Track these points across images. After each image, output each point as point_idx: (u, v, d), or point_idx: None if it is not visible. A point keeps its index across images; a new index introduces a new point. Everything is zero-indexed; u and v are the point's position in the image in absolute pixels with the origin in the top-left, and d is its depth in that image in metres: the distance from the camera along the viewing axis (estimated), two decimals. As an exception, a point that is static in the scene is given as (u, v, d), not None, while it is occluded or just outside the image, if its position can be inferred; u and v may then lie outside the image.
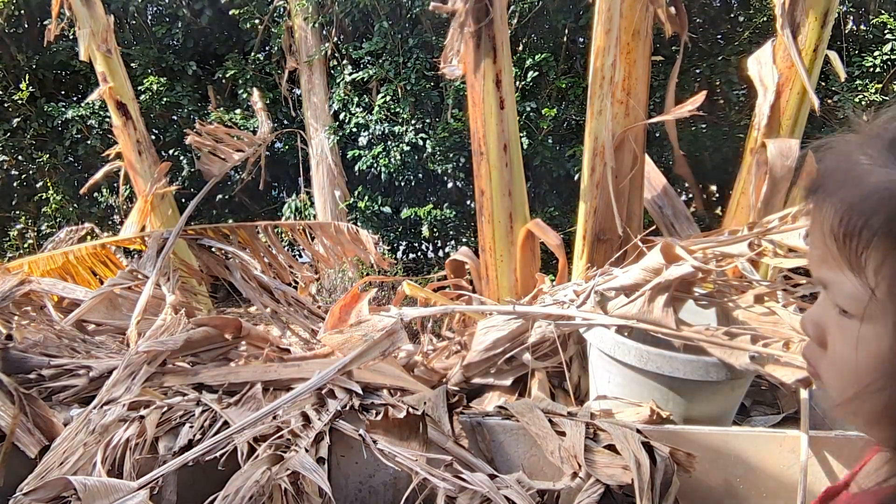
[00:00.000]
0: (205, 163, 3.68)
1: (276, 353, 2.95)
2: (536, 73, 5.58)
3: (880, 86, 5.52)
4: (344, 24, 6.23)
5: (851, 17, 5.99)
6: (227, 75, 6.55)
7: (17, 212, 7.30)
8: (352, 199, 6.26)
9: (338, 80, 6.22)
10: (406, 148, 5.83)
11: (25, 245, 7.16)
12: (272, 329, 3.86)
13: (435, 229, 6.02)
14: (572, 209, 5.07)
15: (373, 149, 5.96)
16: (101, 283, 3.49)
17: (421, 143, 5.83)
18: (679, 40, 3.87)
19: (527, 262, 3.62)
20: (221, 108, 6.56)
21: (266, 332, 3.29)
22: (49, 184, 6.98)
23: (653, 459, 1.90)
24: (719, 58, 6.04)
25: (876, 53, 5.54)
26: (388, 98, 5.95)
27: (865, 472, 0.50)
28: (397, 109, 5.97)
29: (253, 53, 6.64)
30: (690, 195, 6.63)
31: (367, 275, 5.70)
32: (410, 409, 2.08)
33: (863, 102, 5.50)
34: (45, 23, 6.24)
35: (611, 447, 1.95)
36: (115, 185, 6.14)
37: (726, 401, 2.42)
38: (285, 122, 6.77)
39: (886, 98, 5.55)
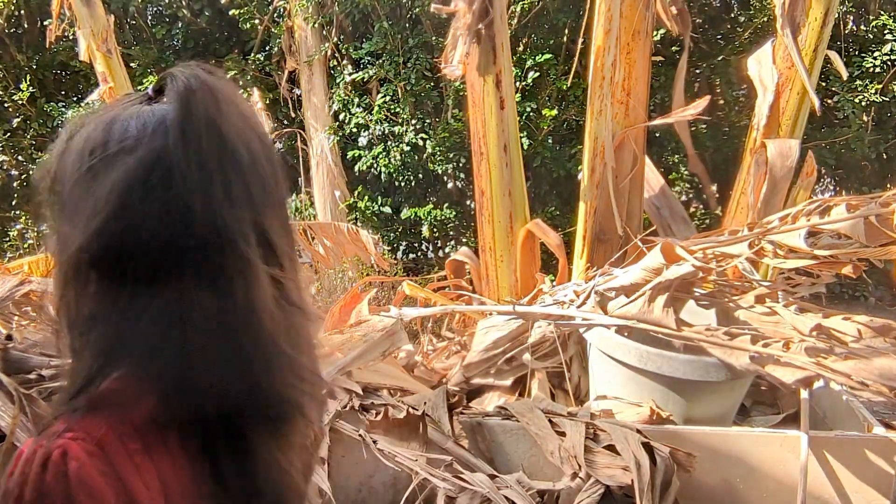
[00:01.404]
0: (205, 163, 3.68)
1: (276, 353, 2.94)
2: (537, 74, 5.58)
3: (880, 86, 5.52)
4: (344, 25, 6.22)
5: (851, 18, 5.98)
6: (227, 75, 6.53)
7: (17, 212, 7.30)
8: (352, 200, 6.26)
9: (338, 81, 6.22)
10: (406, 148, 5.82)
11: (25, 245, 7.16)
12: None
13: (435, 229, 6.02)
14: (572, 209, 5.07)
15: (373, 149, 5.96)
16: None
17: (421, 143, 5.83)
18: (678, 40, 3.87)
19: (527, 262, 3.62)
20: (221, 109, 6.55)
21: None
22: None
23: (653, 459, 1.90)
24: (719, 58, 6.04)
25: (876, 54, 5.54)
26: (388, 98, 5.94)
27: None
28: (397, 110, 5.97)
29: (253, 54, 6.63)
30: (690, 195, 6.63)
31: (367, 275, 5.70)
32: (410, 410, 2.08)
33: (863, 103, 5.50)
34: (46, 23, 6.24)
35: (611, 447, 1.95)
36: (115, 185, 6.12)
37: (726, 401, 2.42)
38: (285, 122, 6.78)
39: (886, 98, 5.54)
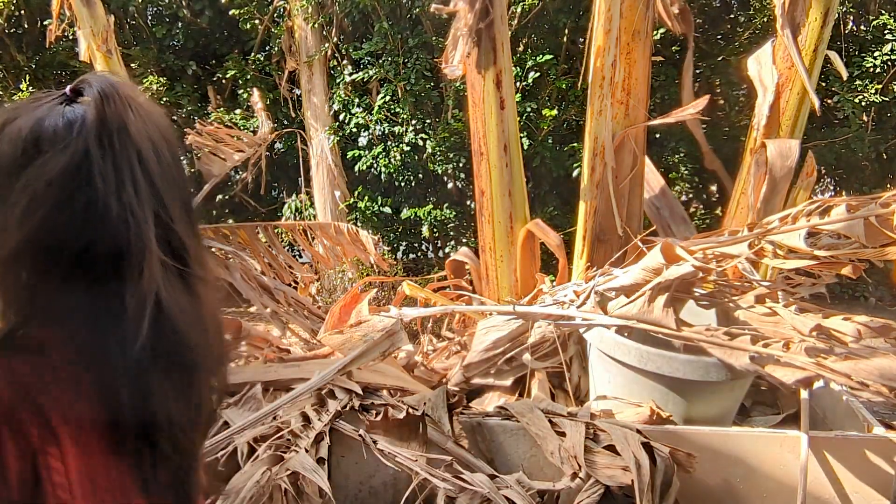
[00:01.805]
0: (205, 163, 3.68)
1: (276, 353, 2.95)
2: (537, 74, 5.58)
3: (880, 86, 5.51)
4: (344, 25, 6.22)
5: (851, 18, 5.98)
6: (227, 75, 6.54)
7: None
8: (352, 200, 6.26)
9: (338, 81, 6.21)
10: (406, 148, 5.82)
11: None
12: (272, 329, 3.86)
13: (435, 229, 6.01)
14: (572, 209, 5.06)
15: (373, 149, 5.96)
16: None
17: (421, 143, 5.82)
18: (678, 40, 3.87)
19: (527, 262, 3.62)
20: (221, 109, 6.55)
21: (266, 333, 3.29)
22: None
23: (653, 460, 1.90)
24: (719, 58, 6.03)
25: (876, 54, 5.54)
26: (388, 98, 5.94)
27: None
28: (397, 110, 5.96)
29: (253, 54, 6.63)
30: (690, 195, 6.63)
31: (367, 275, 5.70)
32: (410, 410, 2.08)
33: (862, 103, 5.50)
34: (46, 23, 6.23)
35: (611, 447, 1.95)
36: (115, 185, 6.11)
37: (726, 401, 2.43)
38: (285, 122, 6.77)
39: (886, 98, 5.54)
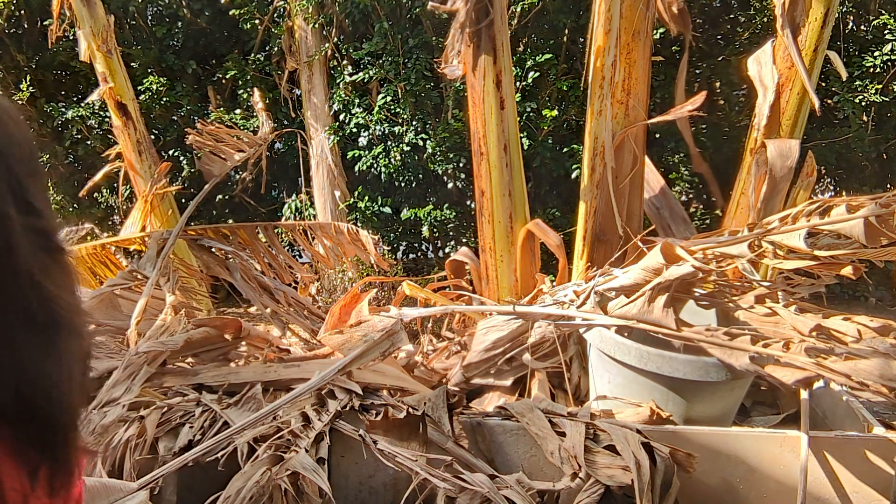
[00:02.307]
0: (205, 163, 3.68)
1: (276, 353, 2.95)
2: (537, 74, 5.58)
3: (880, 86, 5.51)
4: (344, 25, 6.22)
5: (851, 18, 5.98)
6: (227, 75, 6.54)
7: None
8: (352, 200, 6.26)
9: (338, 81, 6.22)
10: (406, 148, 5.82)
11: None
12: (272, 329, 3.86)
13: (435, 230, 6.01)
14: (573, 209, 5.06)
15: (373, 149, 5.96)
16: (101, 283, 3.49)
17: (421, 143, 5.83)
18: (679, 40, 3.87)
19: (527, 262, 3.62)
20: (221, 109, 6.55)
21: (266, 333, 3.29)
22: (49, 184, 6.98)
23: (653, 460, 1.90)
24: (719, 58, 6.03)
25: (876, 54, 5.54)
26: (388, 98, 5.94)
27: None
28: (397, 110, 5.97)
29: (253, 54, 6.63)
30: (690, 195, 6.63)
31: (368, 275, 5.70)
32: (410, 410, 2.08)
33: (863, 103, 5.50)
34: (46, 23, 6.23)
35: (611, 447, 1.95)
36: (115, 185, 6.13)
37: (726, 401, 2.43)
38: (285, 122, 6.77)
39: (886, 98, 5.54)
